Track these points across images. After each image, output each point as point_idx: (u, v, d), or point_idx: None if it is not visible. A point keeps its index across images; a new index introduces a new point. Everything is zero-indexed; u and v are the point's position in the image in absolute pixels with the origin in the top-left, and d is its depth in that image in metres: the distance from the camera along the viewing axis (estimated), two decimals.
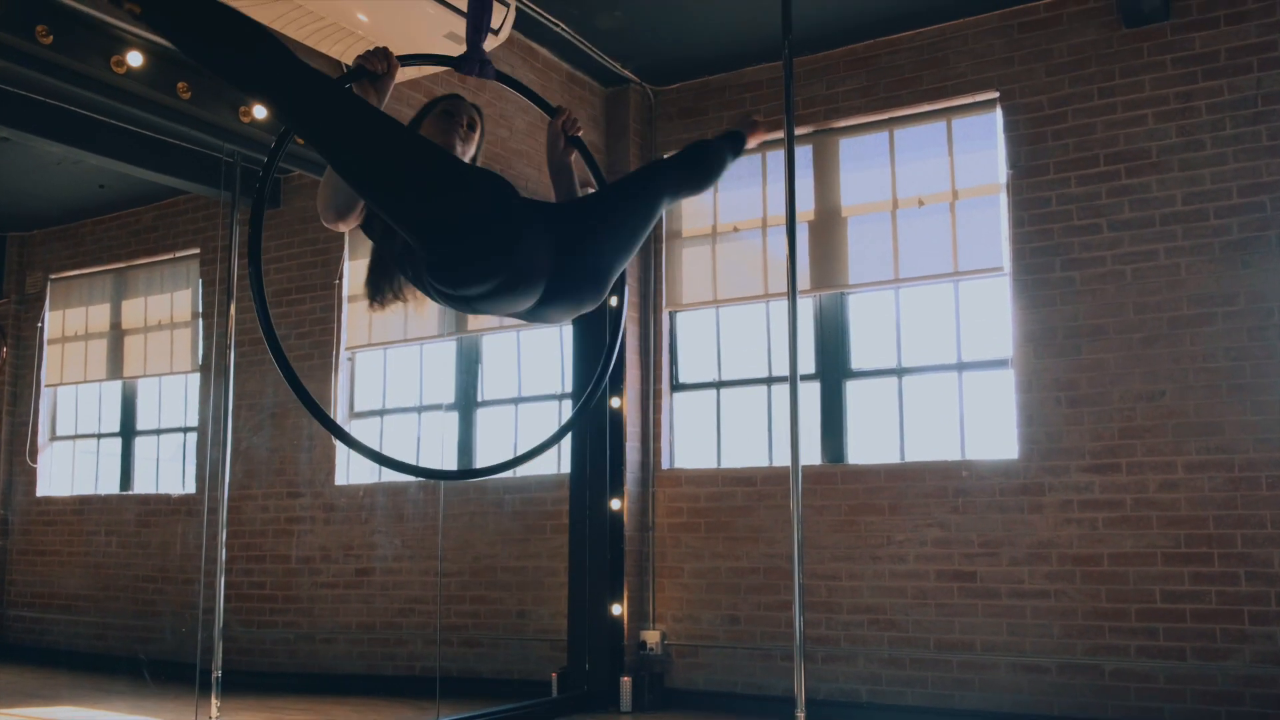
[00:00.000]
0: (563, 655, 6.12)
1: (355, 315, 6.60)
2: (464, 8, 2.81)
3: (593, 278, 2.45)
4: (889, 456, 5.87)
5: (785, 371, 6.01)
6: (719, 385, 6.43)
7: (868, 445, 5.99)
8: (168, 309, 6.39)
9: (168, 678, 5.74)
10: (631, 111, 6.53)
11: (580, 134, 2.86)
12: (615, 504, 6.15)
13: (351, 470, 6.67)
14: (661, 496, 6.34)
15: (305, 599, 6.61)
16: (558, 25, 5.67)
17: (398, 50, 2.58)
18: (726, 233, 6.44)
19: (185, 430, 6.33)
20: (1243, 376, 5.02)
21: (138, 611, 6.35)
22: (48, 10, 3.77)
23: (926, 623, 5.53)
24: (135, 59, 4.07)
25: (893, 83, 5.98)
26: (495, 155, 5.38)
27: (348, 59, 2.55)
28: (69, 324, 6.51)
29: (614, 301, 2.99)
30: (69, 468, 6.57)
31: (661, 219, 6.56)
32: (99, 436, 6.54)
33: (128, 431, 6.48)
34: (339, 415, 6.56)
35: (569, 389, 6.40)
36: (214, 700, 4.65)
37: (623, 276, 2.70)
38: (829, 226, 6.12)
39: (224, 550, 5.12)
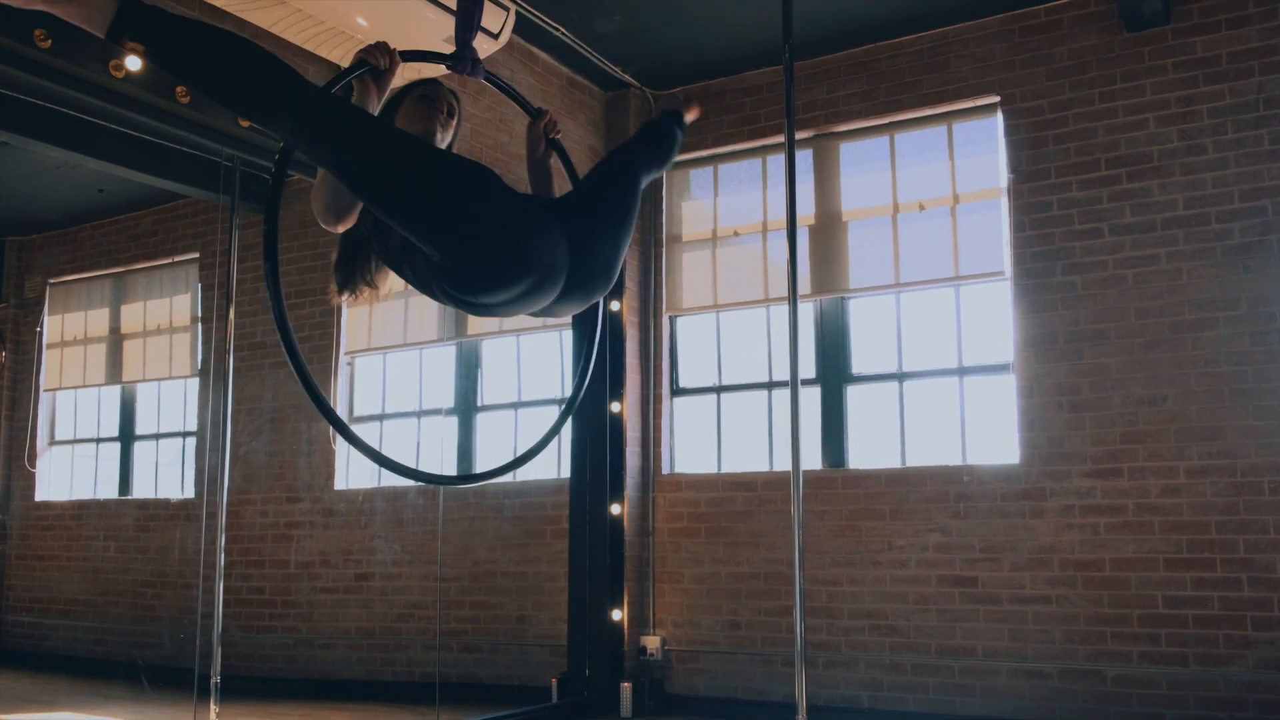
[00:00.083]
0: (563, 661, 6.10)
1: (355, 319, 6.58)
2: (464, 35, 2.80)
3: (605, 268, 2.49)
4: (890, 461, 5.85)
5: (785, 376, 6.01)
6: (719, 390, 6.42)
7: (868, 450, 5.97)
8: (167, 313, 6.37)
9: (166, 683, 5.72)
10: (632, 116, 6.52)
11: (559, 136, 2.87)
12: (615, 509, 6.14)
13: (351, 475, 6.65)
14: (662, 501, 6.32)
15: (304, 604, 6.60)
16: (557, 29, 5.66)
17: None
18: (727, 237, 6.43)
19: (184, 435, 6.32)
20: (1245, 381, 5.01)
21: (136, 617, 6.32)
22: (46, 14, 3.75)
23: (928, 628, 5.51)
24: (134, 63, 4.05)
25: (893, 87, 5.97)
26: (495, 160, 5.37)
27: (346, 63, 2.53)
28: (68, 328, 6.49)
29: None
30: (67, 472, 6.55)
31: (662, 224, 6.57)
32: (98, 441, 6.52)
33: (126, 436, 6.46)
34: None
35: (569, 394, 6.37)
36: (213, 706, 4.64)
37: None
38: (829, 231, 6.11)
39: (223, 555, 5.11)
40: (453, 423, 6.68)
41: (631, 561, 6.18)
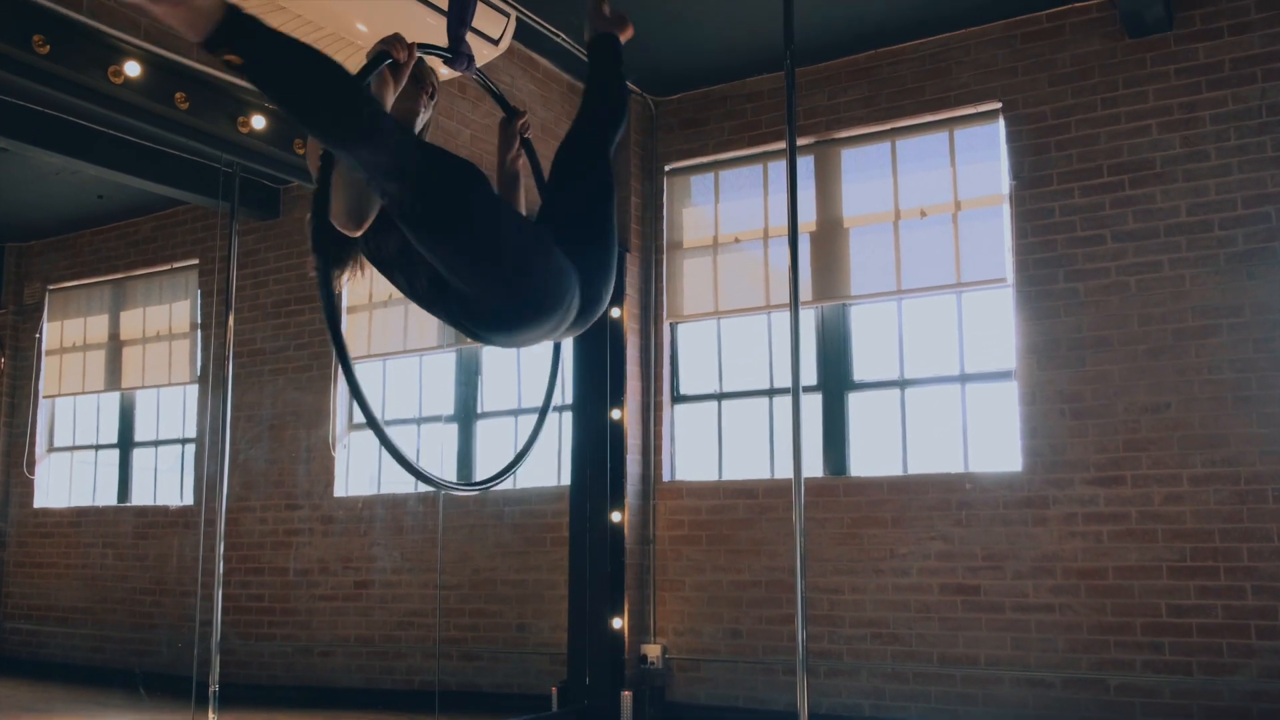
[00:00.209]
0: (563, 669, 6.08)
1: (355, 327, 6.57)
2: (457, 28, 2.80)
3: (604, 294, 2.57)
4: (891, 469, 5.83)
5: (786, 383, 5.98)
6: (720, 397, 6.40)
7: (870, 457, 5.95)
8: (166, 320, 6.36)
9: (164, 691, 5.69)
10: (632, 122, 6.51)
11: (530, 136, 2.89)
12: (616, 516, 6.11)
13: (350, 482, 6.63)
14: (662, 509, 6.30)
15: (303, 612, 6.57)
16: (558, 35, 5.65)
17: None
18: (728, 244, 6.42)
19: (183, 442, 6.30)
20: (1248, 389, 4.99)
21: (134, 624, 6.30)
22: (44, 20, 3.75)
23: (930, 637, 5.49)
24: (133, 69, 4.04)
25: (895, 93, 5.96)
26: (494, 165, 5.34)
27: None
28: (67, 335, 6.48)
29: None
30: (66, 479, 6.54)
31: (662, 230, 6.56)
32: (97, 448, 6.50)
33: (125, 443, 6.44)
34: (338, 427, 6.53)
35: (569, 401, 6.37)
36: (211, 714, 4.61)
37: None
38: (831, 237, 6.10)
39: (222, 562, 5.09)
40: (453, 430, 6.66)
41: (632, 569, 6.15)
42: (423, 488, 6.51)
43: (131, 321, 6.44)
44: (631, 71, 6.26)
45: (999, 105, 5.70)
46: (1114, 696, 5.06)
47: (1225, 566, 4.92)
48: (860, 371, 6.05)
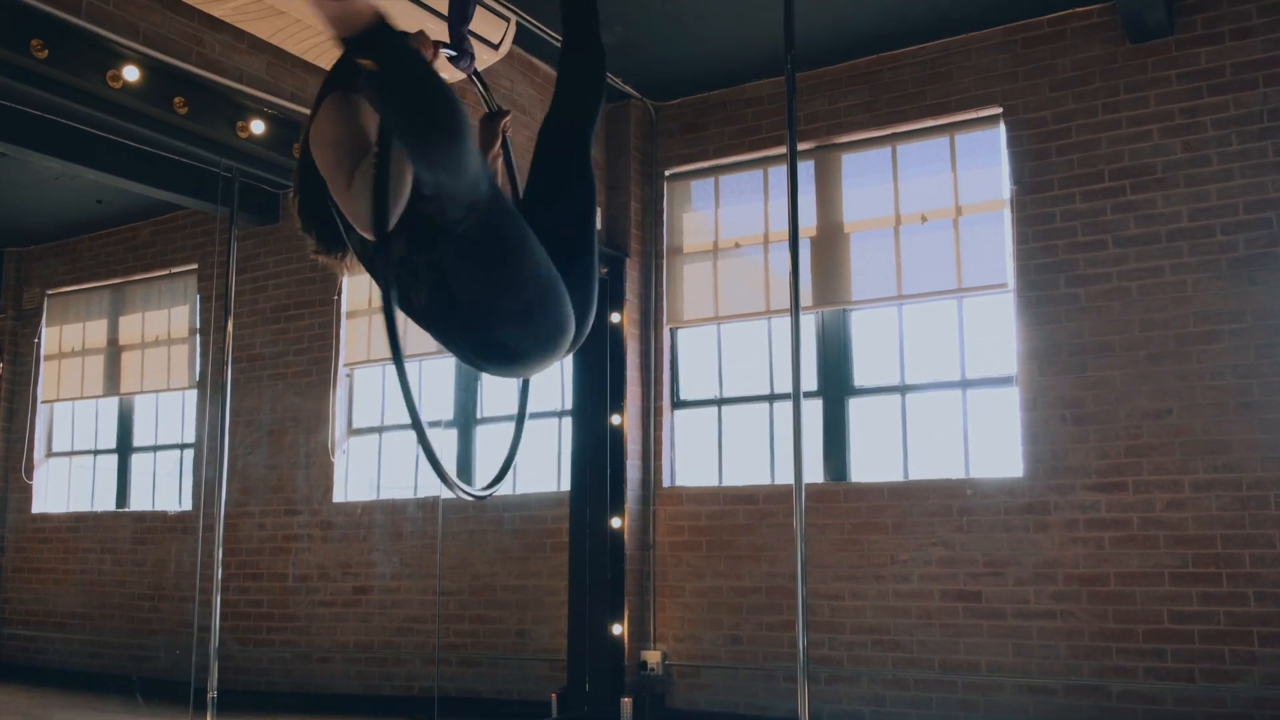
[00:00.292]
0: (563, 675, 6.06)
1: (354, 332, 6.56)
2: (458, 27, 2.78)
3: (591, 304, 2.55)
4: (892, 474, 5.81)
5: (787, 388, 5.97)
6: (720, 402, 6.38)
7: (871, 463, 5.93)
8: (165, 325, 6.35)
9: (162, 697, 5.68)
10: (632, 127, 6.50)
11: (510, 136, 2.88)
12: (616, 522, 6.09)
13: (350, 488, 6.62)
14: (662, 514, 6.28)
15: (302, 618, 6.55)
16: (558, 40, 5.64)
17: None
18: (728, 249, 6.41)
19: (182, 447, 6.29)
20: (1250, 394, 4.97)
21: (133, 630, 6.28)
22: (43, 25, 3.74)
23: (931, 643, 5.47)
24: (131, 74, 4.03)
25: (895, 98, 5.95)
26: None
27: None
28: (66, 340, 6.47)
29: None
30: (65, 484, 6.53)
31: (662, 235, 6.54)
32: (95, 453, 6.49)
33: (124, 448, 6.43)
34: (337, 432, 6.52)
35: (569, 406, 6.36)
36: None
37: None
38: (831, 242, 6.08)
39: (220, 568, 5.08)
40: (452, 435, 6.64)
41: (632, 575, 6.14)
42: (422, 493, 6.51)
43: (130, 326, 6.44)
44: (631, 76, 6.27)
45: (1000, 110, 5.69)
46: (1116, 704, 5.04)
47: (1227, 573, 4.91)
48: (861, 377, 6.03)
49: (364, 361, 6.64)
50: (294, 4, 4.03)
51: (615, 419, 6.21)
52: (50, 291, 6.50)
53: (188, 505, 6.22)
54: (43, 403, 6.43)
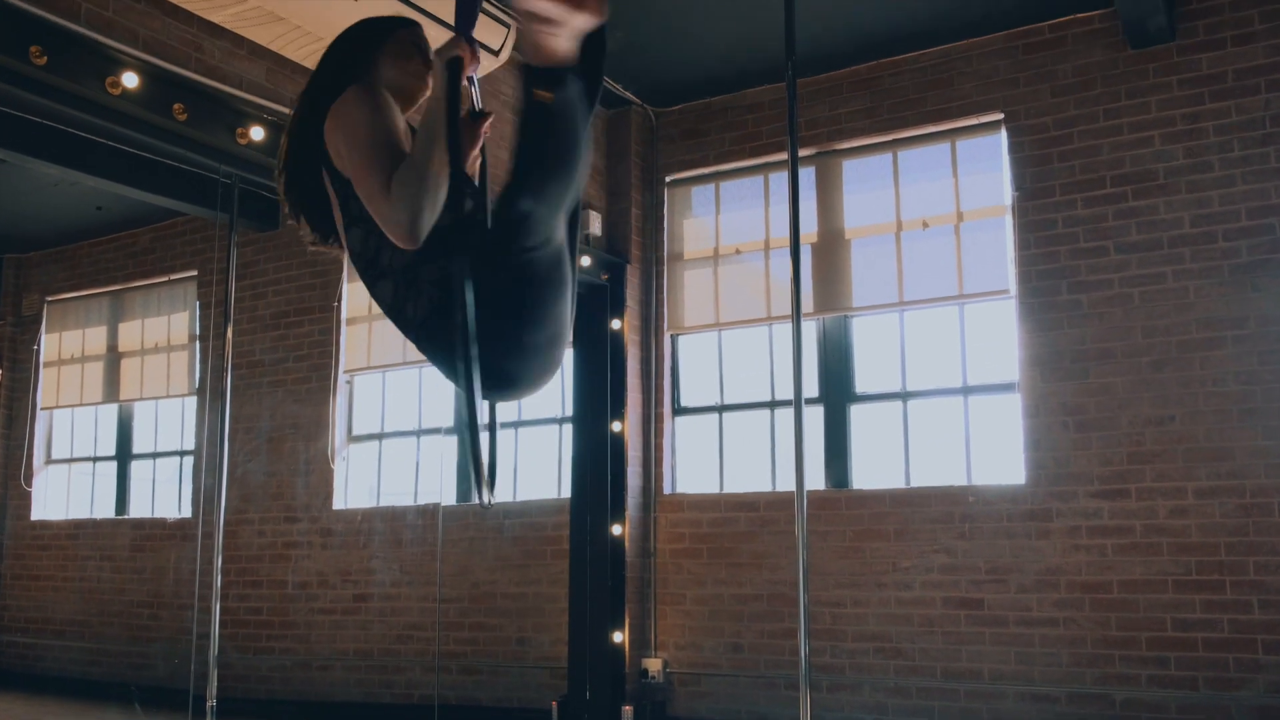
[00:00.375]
0: (563, 683, 6.04)
1: (354, 338, 6.54)
2: (466, 30, 2.76)
3: (572, 286, 2.42)
4: (894, 481, 5.79)
5: (788, 395, 5.96)
6: (721, 409, 6.37)
7: (872, 470, 5.92)
8: (165, 331, 6.34)
9: (161, 705, 5.66)
10: (633, 133, 6.50)
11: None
12: (616, 529, 6.08)
13: (349, 495, 6.60)
14: (663, 522, 6.27)
15: (302, 625, 6.53)
16: None
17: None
18: (729, 255, 6.39)
19: (181, 454, 6.27)
20: (1253, 401, 4.96)
21: (132, 638, 6.26)
22: (42, 31, 3.73)
23: (933, 651, 5.45)
24: (130, 80, 4.02)
25: (896, 104, 5.94)
26: (495, 177, 5.33)
27: None
28: (65, 346, 6.46)
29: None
30: (64, 491, 6.51)
31: (663, 242, 6.53)
32: (94, 460, 6.48)
33: (123, 455, 6.42)
34: (337, 439, 6.50)
35: (569, 413, 6.34)
36: None
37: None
38: (832, 249, 6.07)
39: (220, 575, 5.06)
40: (452, 442, 6.63)
41: (633, 583, 6.12)
42: (422, 500, 6.49)
43: (130, 333, 6.42)
44: (632, 82, 6.26)
45: (1001, 116, 5.68)
46: (1119, 712, 5.02)
47: (1231, 580, 4.89)
48: (862, 383, 6.02)
49: (364, 368, 6.63)
50: (292, 9, 4.02)
51: (616, 426, 6.19)
52: (50, 298, 6.49)
53: (187, 512, 6.20)
54: (42, 409, 6.41)
